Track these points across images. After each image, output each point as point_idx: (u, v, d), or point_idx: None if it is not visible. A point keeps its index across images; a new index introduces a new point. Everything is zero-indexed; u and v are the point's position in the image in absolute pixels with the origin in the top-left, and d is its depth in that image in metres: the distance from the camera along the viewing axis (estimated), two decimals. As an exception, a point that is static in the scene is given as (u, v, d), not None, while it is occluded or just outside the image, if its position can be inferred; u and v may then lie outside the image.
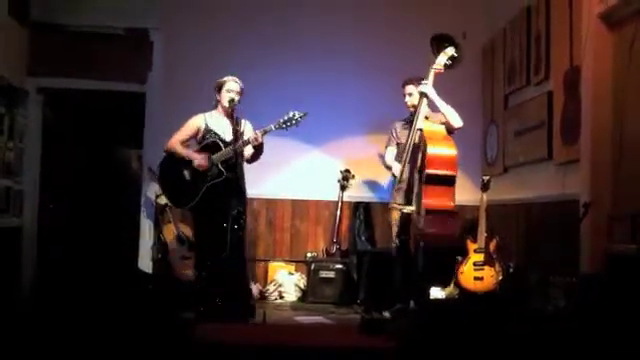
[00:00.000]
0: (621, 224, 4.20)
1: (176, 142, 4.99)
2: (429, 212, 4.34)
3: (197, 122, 5.02)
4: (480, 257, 5.01)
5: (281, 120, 4.77)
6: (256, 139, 4.77)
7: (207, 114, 5.03)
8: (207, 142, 4.94)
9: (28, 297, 6.09)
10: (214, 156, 4.85)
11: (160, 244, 6.14)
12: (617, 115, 4.35)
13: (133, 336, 4.02)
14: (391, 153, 5.31)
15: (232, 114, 4.88)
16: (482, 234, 5.04)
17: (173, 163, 5.00)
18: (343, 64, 6.48)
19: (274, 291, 6.14)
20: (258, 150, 4.92)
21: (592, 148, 4.43)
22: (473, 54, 6.53)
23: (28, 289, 6.14)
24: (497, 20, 6.24)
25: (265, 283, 6.33)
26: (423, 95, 4.91)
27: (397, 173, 5.04)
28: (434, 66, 4.92)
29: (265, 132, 4.78)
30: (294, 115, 4.77)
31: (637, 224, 4.03)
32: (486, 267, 4.98)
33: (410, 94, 5.12)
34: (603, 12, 4.37)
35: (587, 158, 4.46)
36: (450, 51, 4.94)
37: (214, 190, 4.83)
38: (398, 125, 5.29)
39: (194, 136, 5.04)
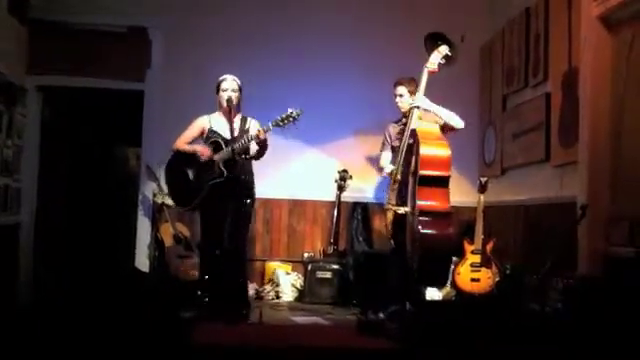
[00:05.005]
0: (619, 226, 4.20)
1: (182, 142, 5.06)
2: (423, 214, 4.31)
3: (202, 123, 5.07)
4: (477, 258, 5.02)
5: (278, 118, 4.74)
6: (258, 136, 4.78)
7: (212, 115, 5.07)
8: (210, 142, 4.96)
9: (26, 295, 6.08)
10: (216, 156, 4.87)
11: (157, 243, 6.15)
12: (615, 117, 4.35)
13: (130, 335, 4.01)
14: (386, 158, 5.24)
15: (230, 112, 4.87)
16: (479, 235, 5.05)
17: (178, 164, 5.06)
18: (342, 64, 6.48)
19: (271, 291, 6.13)
20: (262, 147, 4.92)
21: (590, 150, 4.42)
22: (471, 55, 6.53)
23: (26, 287, 6.13)
24: (496, 21, 6.24)
25: (262, 283, 6.32)
26: (415, 108, 4.79)
27: (388, 170, 5.03)
28: (427, 65, 4.78)
29: (268, 129, 4.77)
30: (292, 113, 4.72)
31: (635, 227, 4.03)
32: (483, 268, 4.99)
33: (401, 95, 5.08)
34: (602, 14, 4.37)
35: (585, 160, 4.45)
36: (444, 50, 4.79)
37: (217, 189, 4.84)
38: (391, 128, 5.26)
39: (199, 137, 5.08)
